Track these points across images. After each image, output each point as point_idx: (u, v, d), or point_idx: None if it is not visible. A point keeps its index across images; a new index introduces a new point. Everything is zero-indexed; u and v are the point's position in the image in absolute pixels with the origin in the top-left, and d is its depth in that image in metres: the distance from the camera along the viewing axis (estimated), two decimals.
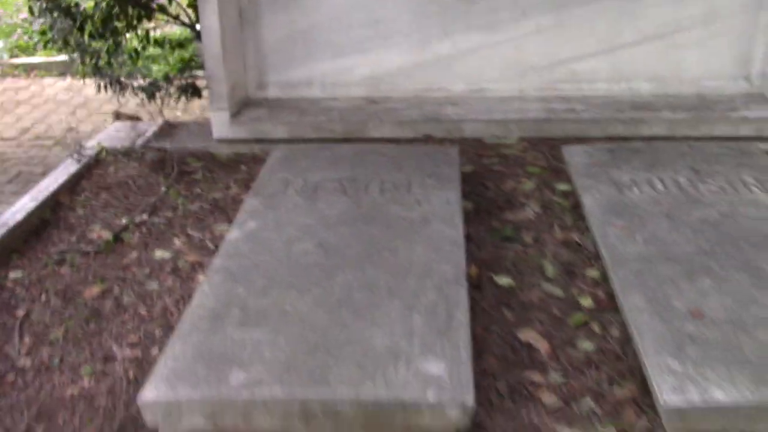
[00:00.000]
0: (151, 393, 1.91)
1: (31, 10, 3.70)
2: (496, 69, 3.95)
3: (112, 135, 4.07)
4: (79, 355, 2.41)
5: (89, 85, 5.70)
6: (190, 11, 4.45)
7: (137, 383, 2.23)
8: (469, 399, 1.86)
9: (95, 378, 2.30)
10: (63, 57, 6.39)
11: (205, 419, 1.90)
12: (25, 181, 4.22)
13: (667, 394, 1.85)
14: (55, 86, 6.18)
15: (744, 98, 3.84)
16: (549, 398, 2.07)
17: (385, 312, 2.17)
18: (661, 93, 3.90)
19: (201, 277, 2.71)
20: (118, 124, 4.25)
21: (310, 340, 2.06)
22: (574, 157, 3.24)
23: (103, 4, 3.72)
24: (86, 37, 3.58)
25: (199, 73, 4.17)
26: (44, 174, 3.87)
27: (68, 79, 6.27)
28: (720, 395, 1.82)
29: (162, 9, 4.23)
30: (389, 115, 3.80)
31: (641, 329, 2.10)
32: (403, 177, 3.05)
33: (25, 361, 2.41)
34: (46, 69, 6.33)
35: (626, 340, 2.23)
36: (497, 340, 2.31)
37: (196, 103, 5.08)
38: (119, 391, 2.23)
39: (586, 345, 2.27)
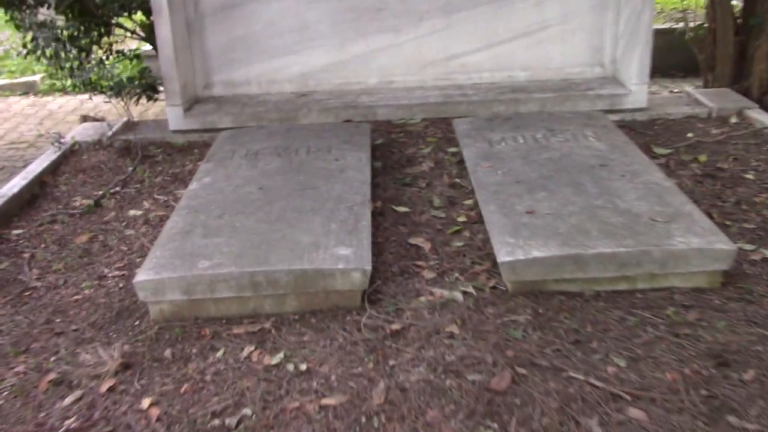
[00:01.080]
0: (142, 276, 2.69)
1: (17, 26, 4.42)
2: (402, 64, 4.83)
3: (81, 132, 4.80)
4: (78, 277, 3.16)
5: (52, 102, 6.44)
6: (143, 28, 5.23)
7: (126, 290, 2.99)
8: (368, 267, 2.68)
9: (93, 289, 3.05)
10: (24, 79, 7.09)
11: (182, 292, 2.68)
12: (9, 173, 4.92)
13: (503, 256, 2.71)
14: (20, 103, 6.87)
15: (599, 81, 4.79)
16: (428, 274, 2.91)
17: (309, 223, 2.99)
18: (533, 79, 4.83)
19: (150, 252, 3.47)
20: (86, 124, 4.99)
21: (255, 241, 2.86)
22: (461, 126, 4.13)
23: (72, 23, 4.48)
24: (61, 50, 4.31)
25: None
26: (25, 167, 4.58)
27: (32, 97, 6.96)
28: (537, 253, 2.69)
29: (119, 26, 5.01)
30: (316, 105, 4.63)
31: (491, 223, 2.96)
32: (324, 144, 3.88)
33: (36, 283, 3.14)
34: (10, 89, 7.00)
35: (486, 240, 3.08)
36: (394, 244, 3.15)
37: (151, 110, 5.83)
38: (113, 294, 2.99)
39: (458, 243, 3.12)
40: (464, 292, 2.76)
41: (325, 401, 2.27)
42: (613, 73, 4.80)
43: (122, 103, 4.66)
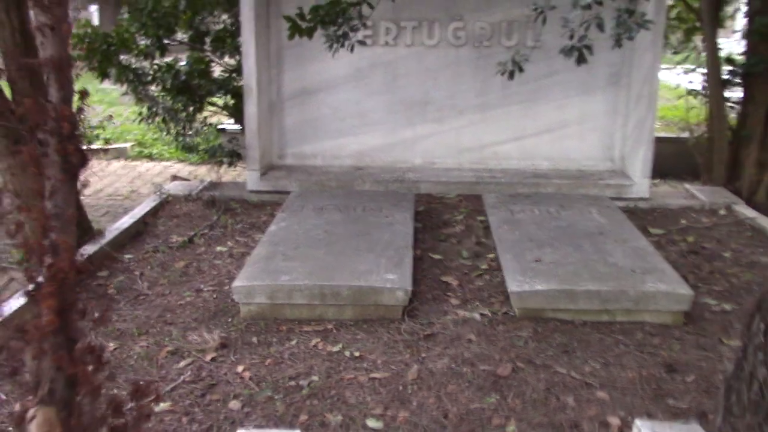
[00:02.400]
0: (238, 283, 3.58)
1: (139, 99, 5.49)
2: (443, 149, 5.79)
3: (173, 188, 5.78)
4: (180, 289, 4.04)
5: (140, 165, 7.51)
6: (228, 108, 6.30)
7: (220, 299, 3.86)
8: (409, 288, 3.53)
9: (193, 297, 3.92)
10: (116, 145, 8.21)
11: (267, 297, 3.55)
12: (113, 216, 5.90)
13: (513, 287, 3.55)
14: (113, 165, 7.98)
15: (609, 173, 5.68)
16: (454, 301, 3.74)
17: (364, 258, 3.86)
18: (553, 168, 5.74)
19: (247, 258, 4.36)
20: (176, 182, 5.99)
21: (322, 266, 3.74)
22: (489, 199, 5.02)
23: (174, 98, 5.55)
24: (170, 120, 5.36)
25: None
26: (126, 211, 5.54)
27: (122, 161, 8.08)
28: (539, 287, 3.52)
29: (211, 103, 6.08)
30: (369, 177, 5.57)
31: (506, 266, 3.81)
32: (377, 205, 4.79)
33: (147, 291, 4.03)
34: (104, 153, 8.12)
35: (502, 282, 3.90)
36: (429, 280, 3.99)
37: (225, 177, 6.82)
38: (210, 301, 3.86)
39: (479, 283, 3.96)
40: (482, 314, 3.59)
41: (372, 375, 3.08)
42: (621, 168, 5.69)
43: (210, 166, 5.65)
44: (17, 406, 1.75)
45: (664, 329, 3.47)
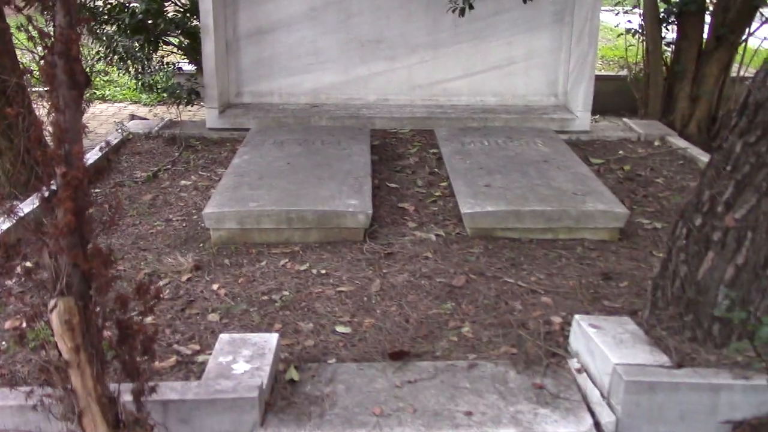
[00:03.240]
0: (208, 209, 3.79)
1: (97, 38, 5.54)
2: (396, 86, 6.01)
3: (133, 126, 5.89)
4: (150, 220, 4.22)
5: (93, 107, 7.54)
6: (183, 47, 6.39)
7: (189, 227, 4.07)
8: (369, 211, 3.80)
9: (163, 226, 4.12)
10: None
11: (236, 222, 3.78)
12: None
13: (465, 209, 3.84)
14: None
15: (553, 107, 5.99)
16: (411, 224, 4.02)
17: (326, 185, 4.10)
18: (501, 103, 6.02)
19: (213, 191, 4.56)
20: (136, 120, 6.09)
21: (287, 193, 3.97)
22: (440, 132, 5.29)
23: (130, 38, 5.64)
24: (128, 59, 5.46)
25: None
26: (86, 151, 5.64)
27: None
28: (489, 208, 3.82)
29: (166, 42, 6.16)
30: (325, 114, 5.77)
31: (459, 191, 4.10)
32: (335, 138, 5.01)
33: (118, 222, 4.20)
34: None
35: (455, 206, 4.19)
36: (387, 207, 4.26)
37: (185, 114, 6.92)
38: (180, 229, 4.06)
39: (434, 208, 4.25)
40: (437, 235, 3.89)
41: (339, 289, 3.36)
42: (564, 102, 6.00)
43: (165, 107, 5.78)
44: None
45: (601, 244, 3.82)
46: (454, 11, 4.32)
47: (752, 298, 2.59)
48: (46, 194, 1.90)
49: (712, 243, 2.67)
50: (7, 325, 3.12)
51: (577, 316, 2.80)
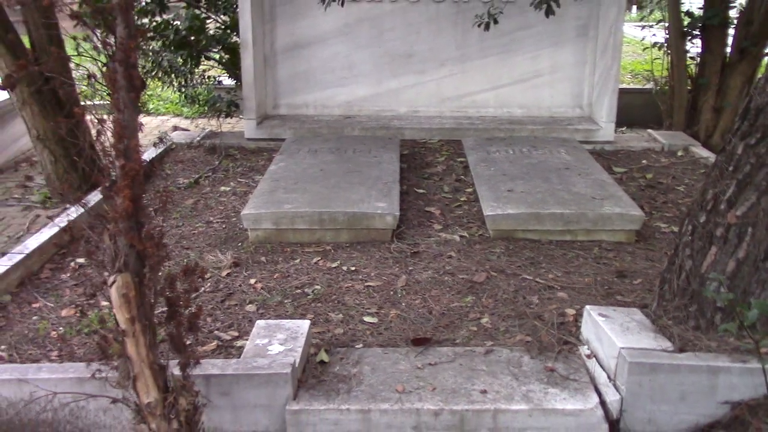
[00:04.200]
0: (247, 210, 4.06)
1: (143, 53, 5.89)
2: (425, 98, 6.26)
3: (176, 137, 6.22)
4: (192, 222, 4.51)
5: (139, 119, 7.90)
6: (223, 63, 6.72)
7: (229, 228, 4.34)
8: (397, 213, 4.03)
9: (204, 228, 4.40)
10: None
11: (272, 223, 4.04)
12: None
13: (488, 211, 4.06)
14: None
15: (578, 119, 6.18)
16: (436, 226, 4.25)
17: (357, 190, 4.35)
18: (527, 114, 6.22)
19: (250, 195, 4.83)
20: (178, 132, 6.42)
21: (320, 197, 4.23)
22: (467, 142, 5.52)
23: (175, 53, 5.97)
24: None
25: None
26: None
27: None
28: (510, 210, 4.03)
29: (207, 57, 6.50)
30: (358, 125, 6.03)
31: (482, 196, 4.32)
32: (366, 147, 5.27)
33: (162, 224, 4.50)
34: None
35: (479, 211, 4.41)
36: (414, 210, 4.50)
37: (225, 126, 7.25)
38: (220, 231, 4.34)
39: (459, 212, 4.47)
40: (461, 236, 4.10)
41: (367, 284, 3.59)
42: (589, 114, 6.19)
43: (206, 120, 6.10)
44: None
45: (618, 246, 4.01)
46: (479, 26, 4.54)
47: (752, 290, 2.76)
48: (107, 184, 2.16)
49: (715, 238, 2.85)
50: (64, 312, 3.41)
51: (588, 307, 2.99)
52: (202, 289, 3.59)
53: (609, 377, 2.69)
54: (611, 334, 2.72)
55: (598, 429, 2.53)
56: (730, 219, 2.81)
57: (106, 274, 2.22)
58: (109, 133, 2.17)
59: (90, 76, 2.23)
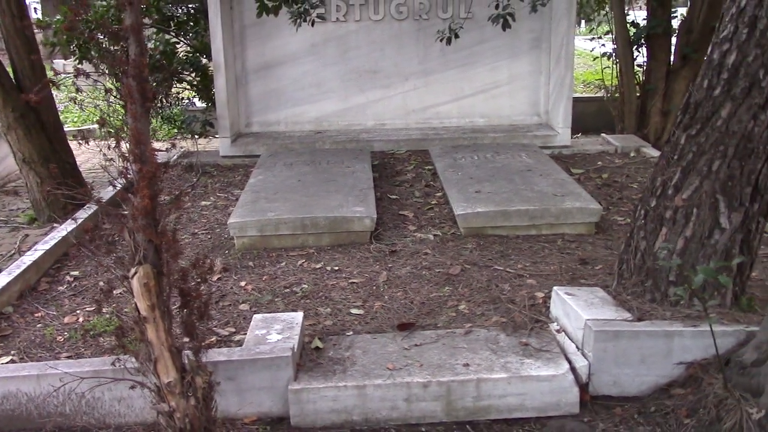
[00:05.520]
0: (233, 219, 4.31)
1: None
2: (392, 111, 6.57)
3: None
4: (179, 234, 4.71)
5: (111, 142, 8.08)
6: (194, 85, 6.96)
7: (214, 238, 4.58)
8: (374, 216, 4.32)
9: (191, 239, 4.63)
10: (85, 127, 8.77)
11: (257, 230, 4.29)
12: (99, 185, 6.53)
13: (459, 211, 4.37)
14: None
15: (536, 126, 6.54)
16: (411, 227, 4.54)
17: (335, 197, 4.62)
18: (489, 123, 6.57)
19: (232, 209, 5.07)
20: None
21: (300, 204, 4.49)
22: (434, 150, 5.84)
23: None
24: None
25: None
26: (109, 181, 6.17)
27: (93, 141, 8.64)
28: (479, 209, 4.35)
29: (180, 80, 6.74)
30: (328, 139, 6.32)
31: (452, 198, 4.62)
32: (339, 159, 5.55)
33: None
34: (73, 136, 8.66)
35: (450, 212, 4.71)
36: (389, 214, 4.79)
37: (199, 146, 7.48)
38: (206, 241, 4.57)
39: (431, 214, 4.77)
40: (434, 235, 4.40)
41: (351, 281, 3.86)
42: (546, 121, 6.56)
43: (182, 138, 6.34)
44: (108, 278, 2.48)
45: (579, 237, 4.34)
46: (441, 40, 4.87)
47: (700, 263, 3.10)
48: (124, 187, 2.41)
49: (665, 220, 3.19)
50: (66, 320, 3.62)
51: (556, 288, 3.30)
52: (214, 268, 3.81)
53: (577, 347, 2.99)
54: (577, 308, 3.03)
55: (569, 392, 2.83)
56: (677, 202, 3.15)
57: (125, 268, 2.46)
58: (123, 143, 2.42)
59: (107, 91, 2.48)
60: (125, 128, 2.43)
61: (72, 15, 2.45)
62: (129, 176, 2.44)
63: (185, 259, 4.25)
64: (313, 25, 5.00)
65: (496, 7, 4.67)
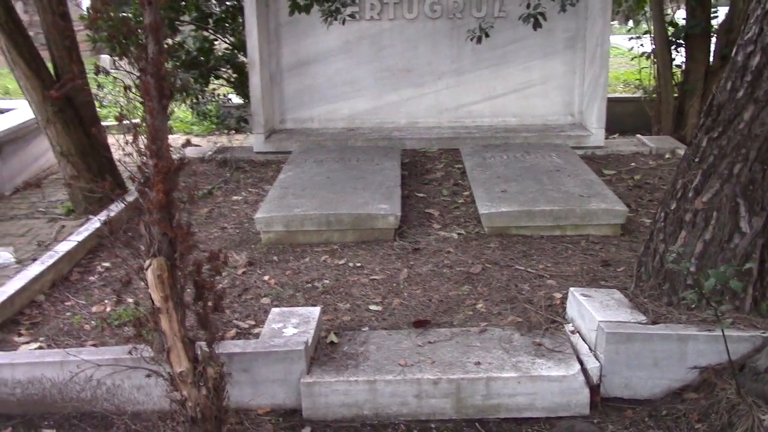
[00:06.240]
0: (260, 214, 4.38)
1: None
2: (424, 110, 6.59)
3: (188, 152, 6.55)
4: (208, 228, 4.83)
5: None
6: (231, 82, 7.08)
7: (242, 233, 4.66)
8: (398, 213, 4.35)
9: (219, 233, 4.72)
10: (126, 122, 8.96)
11: (283, 225, 4.36)
12: None
13: (483, 210, 4.37)
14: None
15: (570, 125, 6.50)
16: (436, 225, 4.57)
17: (361, 194, 4.67)
18: (521, 123, 6.55)
19: (262, 203, 5.15)
20: (190, 147, 6.76)
21: (327, 201, 4.55)
22: (465, 149, 5.84)
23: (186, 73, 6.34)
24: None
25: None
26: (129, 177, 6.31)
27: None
28: (504, 209, 4.35)
29: (217, 76, 6.86)
30: (361, 136, 6.37)
31: (478, 197, 4.63)
32: (369, 156, 5.60)
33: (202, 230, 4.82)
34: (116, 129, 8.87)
35: (475, 212, 4.71)
36: (415, 212, 4.81)
37: (233, 142, 7.60)
38: (234, 235, 4.66)
39: (456, 213, 4.79)
40: (458, 234, 4.42)
41: (372, 277, 3.90)
42: (580, 121, 6.51)
43: (219, 133, 6.47)
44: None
45: (604, 239, 4.32)
46: (472, 39, 4.88)
47: (719, 267, 3.06)
48: (142, 181, 2.49)
49: (684, 223, 3.16)
50: (94, 309, 3.73)
51: (572, 288, 3.30)
52: (220, 285, 3.89)
53: (590, 348, 2.99)
54: (592, 310, 3.02)
55: (580, 393, 2.83)
56: (697, 205, 3.12)
57: (141, 260, 2.54)
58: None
59: (126, 88, 2.56)
60: (143, 124, 2.50)
61: (93, 14, 2.52)
62: (146, 171, 2.51)
63: (205, 245, 4.36)
64: (344, 23, 5.05)
65: (528, 6, 4.66)
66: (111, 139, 5.54)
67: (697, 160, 3.17)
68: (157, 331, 2.51)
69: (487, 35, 4.92)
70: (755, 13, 3.07)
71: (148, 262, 2.47)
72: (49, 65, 5.32)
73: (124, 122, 2.54)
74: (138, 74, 2.50)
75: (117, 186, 5.40)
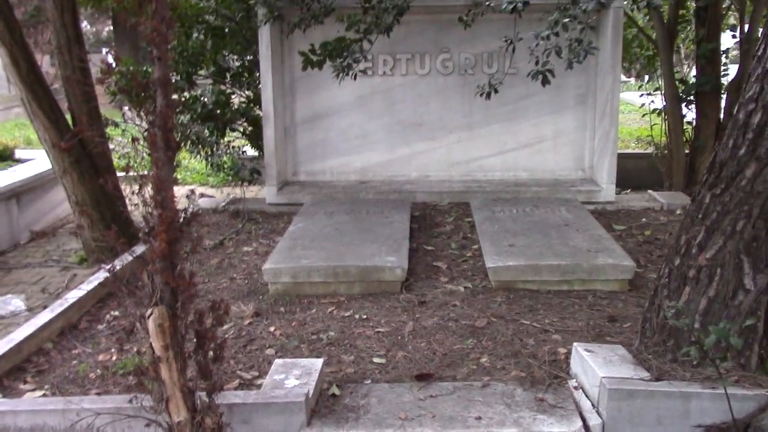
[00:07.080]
0: (267, 265, 4.42)
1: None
2: (435, 163, 6.66)
3: (201, 203, 6.65)
4: (217, 279, 4.87)
5: None
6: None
7: (251, 283, 4.69)
8: (405, 266, 4.37)
9: (228, 283, 4.75)
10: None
11: (290, 277, 4.39)
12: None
13: (490, 263, 4.38)
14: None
15: (580, 180, 6.53)
16: (443, 279, 4.57)
17: (369, 246, 4.70)
18: (532, 177, 6.59)
19: (270, 255, 5.19)
20: (204, 198, 6.85)
21: (335, 253, 4.58)
22: (475, 203, 5.88)
23: (201, 125, 6.46)
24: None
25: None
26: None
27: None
28: (510, 263, 4.36)
29: (232, 129, 6.98)
30: (372, 189, 6.43)
31: (486, 251, 4.64)
32: (379, 209, 5.65)
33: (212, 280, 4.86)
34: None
35: (483, 265, 4.73)
36: (423, 265, 4.83)
37: (247, 193, 7.69)
38: (243, 285, 4.69)
39: (464, 266, 4.80)
40: (465, 287, 4.42)
41: (377, 330, 3.90)
42: (591, 176, 6.54)
43: (233, 185, 6.55)
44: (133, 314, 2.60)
45: (612, 294, 4.30)
46: (481, 95, 4.96)
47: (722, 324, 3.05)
48: (146, 230, 2.54)
49: (688, 279, 3.15)
50: (101, 357, 3.76)
51: (576, 344, 3.29)
52: (226, 336, 3.91)
53: (593, 405, 2.96)
54: (594, 366, 3.01)
55: None
56: (700, 261, 3.12)
57: (143, 309, 2.58)
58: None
59: (134, 139, 2.63)
60: (149, 175, 2.56)
61: (106, 71, 2.60)
62: (150, 221, 2.56)
63: (214, 295, 4.39)
64: (355, 78, 5.16)
65: (536, 63, 4.73)
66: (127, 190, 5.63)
67: (700, 216, 3.18)
68: (157, 380, 2.53)
69: (496, 91, 4.99)
70: (756, 71, 3.11)
71: (149, 311, 2.50)
72: (68, 117, 5.45)
73: (131, 173, 2.59)
74: (146, 126, 2.57)
75: (131, 236, 5.47)
